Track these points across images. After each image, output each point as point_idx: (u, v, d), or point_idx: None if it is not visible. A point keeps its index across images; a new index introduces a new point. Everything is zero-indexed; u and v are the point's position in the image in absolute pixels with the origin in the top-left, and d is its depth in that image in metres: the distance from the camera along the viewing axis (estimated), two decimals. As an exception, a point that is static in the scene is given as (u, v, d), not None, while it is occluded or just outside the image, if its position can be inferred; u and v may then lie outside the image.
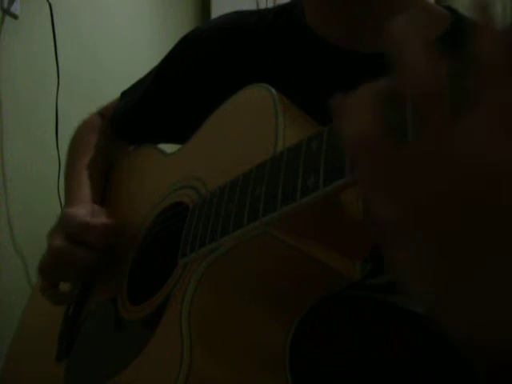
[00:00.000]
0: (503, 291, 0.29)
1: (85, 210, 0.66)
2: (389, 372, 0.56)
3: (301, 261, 0.45)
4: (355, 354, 0.56)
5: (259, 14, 0.73)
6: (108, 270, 0.67)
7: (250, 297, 0.48)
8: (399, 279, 0.32)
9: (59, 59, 1.62)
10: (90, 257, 0.64)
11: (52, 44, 1.61)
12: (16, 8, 1.48)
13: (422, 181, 0.28)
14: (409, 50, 0.29)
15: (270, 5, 2.34)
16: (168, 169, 0.66)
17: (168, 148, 0.73)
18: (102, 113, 0.89)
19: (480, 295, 0.29)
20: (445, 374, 0.57)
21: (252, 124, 0.52)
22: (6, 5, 1.45)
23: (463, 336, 0.31)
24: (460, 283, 0.30)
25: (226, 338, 0.48)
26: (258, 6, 2.45)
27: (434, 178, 0.28)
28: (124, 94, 0.86)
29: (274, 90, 0.51)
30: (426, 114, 0.28)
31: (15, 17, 1.49)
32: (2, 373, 0.77)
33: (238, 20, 0.74)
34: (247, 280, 0.48)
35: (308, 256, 0.44)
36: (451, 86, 0.28)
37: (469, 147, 0.27)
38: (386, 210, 0.29)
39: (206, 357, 0.45)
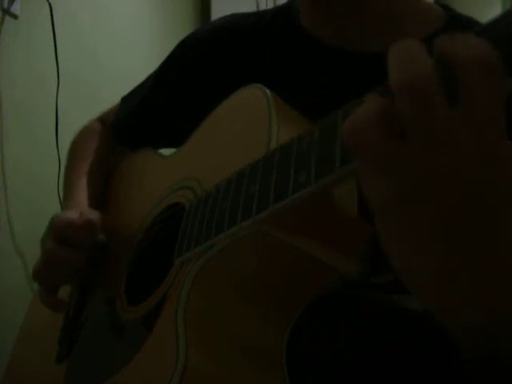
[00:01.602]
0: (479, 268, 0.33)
1: (73, 213, 0.67)
2: (388, 371, 0.56)
3: (295, 258, 0.45)
4: (355, 353, 0.56)
5: (257, 16, 0.74)
6: (107, 271, 0.67)
7: (245, 295, 0.48)
8: (395, 258, 0.35)
9: (59, 59, 1.62)
10: (79, 256, 0.64)
11: (52, 44, 1.61)
12: (16, 8, 1.48)
13: (420, 163, 0.31)
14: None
15: (270, 5, 2.34)
16: (166, 171, 0.67)
17: (168, 152, 0.73)
18: (103, 118, 0.89)
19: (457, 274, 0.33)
20: (445, 374, 0.57)
21: (246, 124, 0.53)
22: (6, 5, 1.45)
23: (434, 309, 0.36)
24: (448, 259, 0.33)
25: (222, 336, 0.48)
26: (257, 6, 2.45)
27: (430, 162, 0.31)
28: (124, 99, 0.86)
29: (268, 90, 0.52)
30: (422, 109, 0.30)
31: (15, 17, 1.49)
32: (5, 374, 0.77)
33: (236, 22, 0.74)
34: (242, 278, 0.48)
35: (302, 253, 0.45)
36: (443, 82, 0.31)
37: (462, 136, 0.30)
38: (385, 186, 0.32)
39: (201, 355, 0.46)
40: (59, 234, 0.64)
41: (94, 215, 0.66)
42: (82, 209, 0.70)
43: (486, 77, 0.30)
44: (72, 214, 0.66)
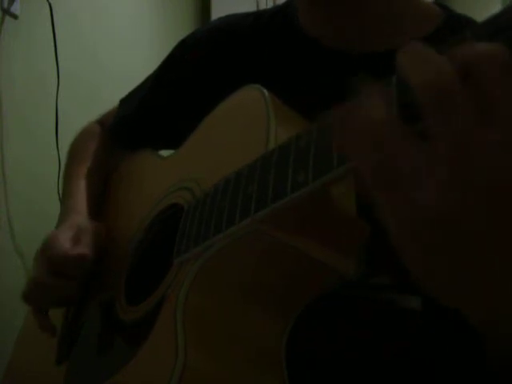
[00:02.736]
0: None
1: (69, 234, 0.66)
2: (388, 372, 0.56)
3: (294, 258, 0.45)
4: (354, 353, 0.56)
5: (255, 15, 0.74)
6: (106, 273, 0.67)
7: (244, 294, 0.48)
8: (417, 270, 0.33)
9: (59, 59, 1.62)
10: (70, 286, 0.64)
11: (52, 44, 1.61)
12: (16, 8, 1.48)
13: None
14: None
15: (270, 5, 2.34)
16: (164, 172, 0.67)
17: (167, 154, 0.73)
18: (102, 121, 0.89)
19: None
20: (444, 373, 0.57)
21: (245, 125, 0.53)
22: (6, 5, 1.45)
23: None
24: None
25: (221, 336, 0.48)
26: (258, 6, 2.45)
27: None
28: (122, 101, 0.86)
29: (265, 91, 0.52)
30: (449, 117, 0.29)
31: (15, 17, 1.49)
32: (5, 375, 0.77)
33: (234, 22, 0.74)
34: (241, 278, 0.48)
35: (301, 253, 0.45)
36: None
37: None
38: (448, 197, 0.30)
39: (200, 354, 0.46)
40: (52, 265, 0.64)
41: (89, 242, 0.65)
42: (77, 227, 0.68)
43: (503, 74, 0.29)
44: (65, 238, 0.65)
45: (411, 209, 0.31)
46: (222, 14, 0.79)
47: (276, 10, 0.72)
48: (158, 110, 0.78)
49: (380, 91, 0.33)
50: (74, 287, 0.65)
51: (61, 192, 1.48)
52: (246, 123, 0.52)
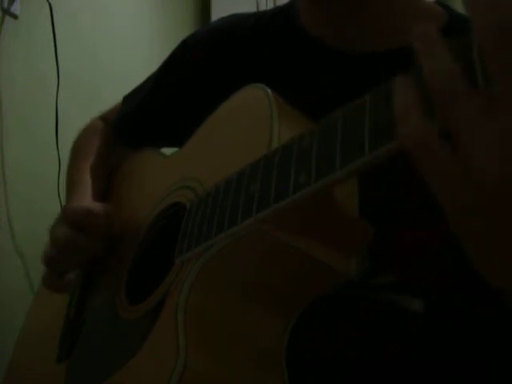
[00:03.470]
0: None
1: (86, 203, 0.68)
2: (388, 372, 0.56)
3: (295, 258, 0.46)
4: (355, 353, 0.56)
5: (256, 16, 0.74)
6: (108, 271, 0.67)
7: (245, 294, 0.48)
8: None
9: (59, 59, 1.62)
10: (94, 244, 0.65)
11: (52, 44, 1.61)
12: (16, 8, 1.48)
13: None
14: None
15: (270, 5, 2.34)
16: (167, 170, 0.67)
17: (169, 152, 0.73)
18: (105, 117, 0.89)
19: None
20: (444, 374, 0.57)
21: (248, 124, 0.53)
22: (6, 5, 1.45)
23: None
24: None
25: (222, 336, 0.48)
26: (258, 6, 2.45)
27: None
28: (126, 98, 0.86)
29: (269, 90, 0.52)
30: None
31: (15, 17, 1.49)
32: (6, 376, 0.77)
33: (234, 23, 0.74)
34: (243, 277, 0.48)
35: (302, 253, 0.45)
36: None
37: None
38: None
39: (201, 354, 0.46)
40: (76, 222, 0.64)
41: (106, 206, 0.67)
42: (90, 201, 0.70)
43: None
44: (83, 203, 0.67)
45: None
46: (222, 14, 0.79)
47: (277, 11, 0.73)
48: (158, 111, 0.78)
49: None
50: (98, 247, 0.65)
51: (61, 192, 1.48)
52: (249, 122, 0.52)
